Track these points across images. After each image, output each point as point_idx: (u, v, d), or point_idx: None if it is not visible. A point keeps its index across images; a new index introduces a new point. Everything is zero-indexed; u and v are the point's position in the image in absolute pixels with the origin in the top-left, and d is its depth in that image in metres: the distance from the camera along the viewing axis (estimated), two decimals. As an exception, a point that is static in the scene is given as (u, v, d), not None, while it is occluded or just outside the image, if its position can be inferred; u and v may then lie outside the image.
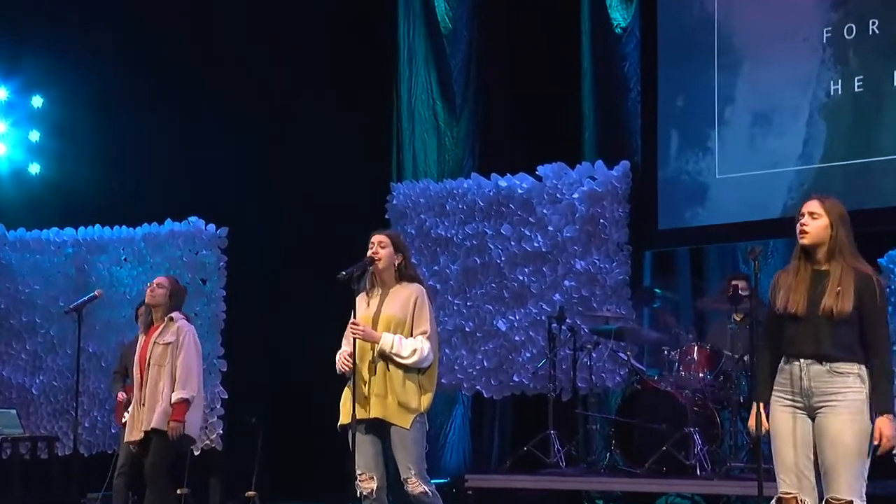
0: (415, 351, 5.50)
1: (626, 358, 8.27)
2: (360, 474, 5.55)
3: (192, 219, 9.53)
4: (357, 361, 5.54)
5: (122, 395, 7.88)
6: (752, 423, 4.97)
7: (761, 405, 4.88)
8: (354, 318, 5.57)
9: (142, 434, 6.70)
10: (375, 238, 5.70)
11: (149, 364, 6.70)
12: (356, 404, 5.50)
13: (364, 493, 5.56)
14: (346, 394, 5.61)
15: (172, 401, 6.65)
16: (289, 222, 10.13)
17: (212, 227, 9.47)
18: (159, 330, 6.77)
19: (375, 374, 5.53)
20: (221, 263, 9.41)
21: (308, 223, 9.99)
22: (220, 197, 9.88)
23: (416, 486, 5.49)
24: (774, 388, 4.84)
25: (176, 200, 9.86)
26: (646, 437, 7.78)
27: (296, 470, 9.84)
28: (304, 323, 9.82)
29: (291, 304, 10.01)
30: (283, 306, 10.09)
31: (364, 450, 5.55)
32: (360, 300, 5.72)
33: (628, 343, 8.39)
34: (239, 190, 10.07)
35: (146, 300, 6.87)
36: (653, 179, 9.06)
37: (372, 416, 5.52)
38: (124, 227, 9.83)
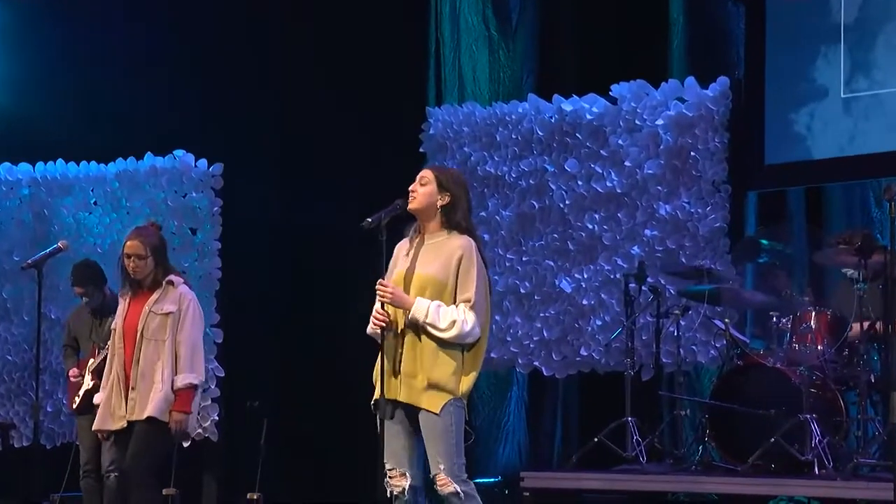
0: (454, 323, 5.46)
1: (723, 327, 8.25)
2: (389, 469, 5.56)
3: (179, 153, 9.56)
4: (385, 331, 5.51)
5: (74, 372, 7.84)
6: None
7: None
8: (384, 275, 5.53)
9: (124, 423, 6.61)
10: (420, 173, 5.66)
11: (141, 337, 6.64)
12: (386, 384, 5.48)
13: (395, 493, 5.56)
14: (378, 366, 5.59)
15: (177, 386, 6.62)
16: (299, 157, 10.10)
17: (203, 162, 9.49)
18: (155, 296, 6.73)
19: (403, 348, 5.52)
20: (216, 209, 9.45)
21: (323, 158, 9.94)
22: (212, 126, 9.89)
23: (445, 484, 5.48)
24: None
25: (158, 130, 9.86)
26: (749, 427, 7.79)
27: (308, 465, 9.89)
28: (319, 283, 9.81)
29: (303, 259, 10.01)
30: (293, 262, 10.08)
31: (394, 441, 5.56)
32: (400, 250, 5.67)
33: (726, 308, 8.39)
34: (236, 117, 10.04)
35: (132, 274, 6.72)
36: (759, 100, 9.01)
37: (399, 398, 5.51)
38: (94, 162, 9.86)
